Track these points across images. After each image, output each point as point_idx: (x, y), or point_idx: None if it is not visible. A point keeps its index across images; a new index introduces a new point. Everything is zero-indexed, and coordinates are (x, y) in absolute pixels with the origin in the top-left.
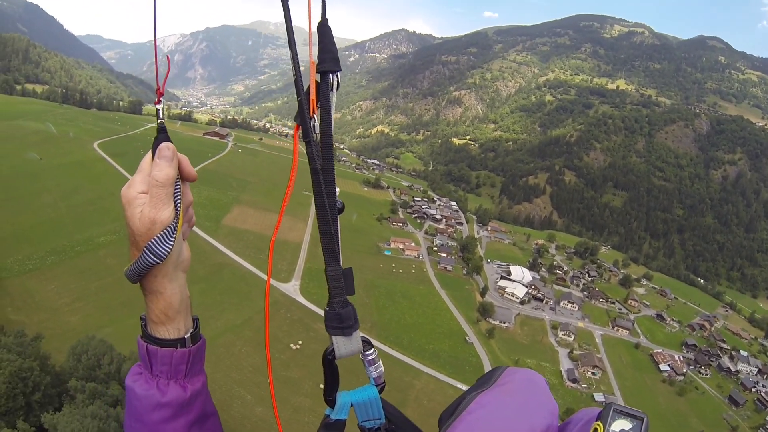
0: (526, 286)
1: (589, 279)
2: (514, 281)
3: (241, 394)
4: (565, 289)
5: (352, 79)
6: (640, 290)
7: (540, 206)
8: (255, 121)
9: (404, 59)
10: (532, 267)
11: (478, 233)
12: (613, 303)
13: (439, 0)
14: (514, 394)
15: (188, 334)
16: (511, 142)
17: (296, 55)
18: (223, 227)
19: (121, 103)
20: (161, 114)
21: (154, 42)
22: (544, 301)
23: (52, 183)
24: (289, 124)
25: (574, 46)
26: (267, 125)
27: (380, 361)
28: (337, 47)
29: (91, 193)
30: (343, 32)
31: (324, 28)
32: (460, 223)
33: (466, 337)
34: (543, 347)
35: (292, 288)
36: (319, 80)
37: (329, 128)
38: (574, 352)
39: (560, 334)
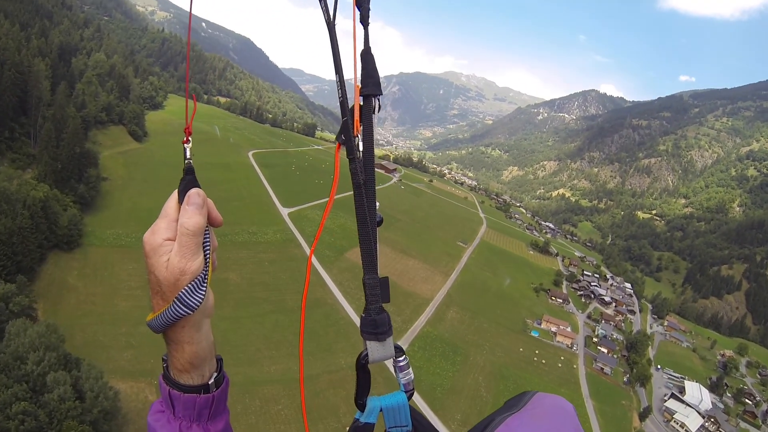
0: (703, 416)
1: None
2: (687, 404)
3: None
4: (754, 430)
5: (538, 137)
6: None
7: (732, 305)
8: (434, 166)
9: (593, 121)
10: (714, 388)
11: (651, 327)
12: None
13: (632, 63)
14: (542, 419)
15: (212, 379)
16: (703, 222)
17: (342, 78)
18: (344, 260)
19: (295, 124)
20: (188, 154)
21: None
22: None
23: None
24: (470, 174)
25: None
26: (445, 171)
27: (410, 369)
28: (526, 104)
29: (221, 192)
30: (532, 90)
31: (367, 56)
32: (632, 312)
33: None
34: None
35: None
36: (362, 103)
37: (371, 147)
38: None
39: None
